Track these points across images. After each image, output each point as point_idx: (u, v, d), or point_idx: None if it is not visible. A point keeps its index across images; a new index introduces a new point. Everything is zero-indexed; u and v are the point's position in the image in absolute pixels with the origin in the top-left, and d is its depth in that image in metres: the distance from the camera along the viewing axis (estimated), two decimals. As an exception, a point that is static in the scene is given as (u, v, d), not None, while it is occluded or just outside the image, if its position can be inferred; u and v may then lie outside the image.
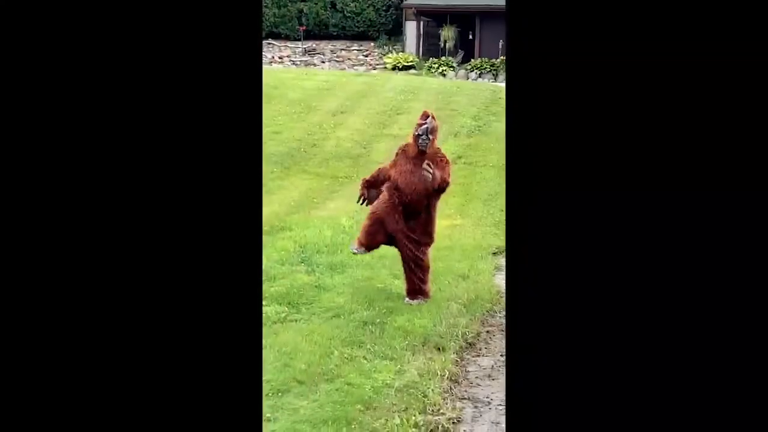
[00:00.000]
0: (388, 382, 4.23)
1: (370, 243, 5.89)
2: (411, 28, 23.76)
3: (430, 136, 5.69)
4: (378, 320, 5.24)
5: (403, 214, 5.75)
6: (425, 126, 5.66)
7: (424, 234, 5.82)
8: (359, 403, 3.92)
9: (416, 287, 5.75)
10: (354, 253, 6.15)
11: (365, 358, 4.59)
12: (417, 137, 5.70)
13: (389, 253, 7.08)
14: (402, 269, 5.92)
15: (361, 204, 6.28)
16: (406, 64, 21.97)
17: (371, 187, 6.11)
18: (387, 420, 3.76)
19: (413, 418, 3.79)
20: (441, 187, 5.70)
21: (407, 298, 5.78)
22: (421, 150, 5.68)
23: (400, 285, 6.05)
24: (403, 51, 23.47)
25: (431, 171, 5.54)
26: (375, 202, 5.99)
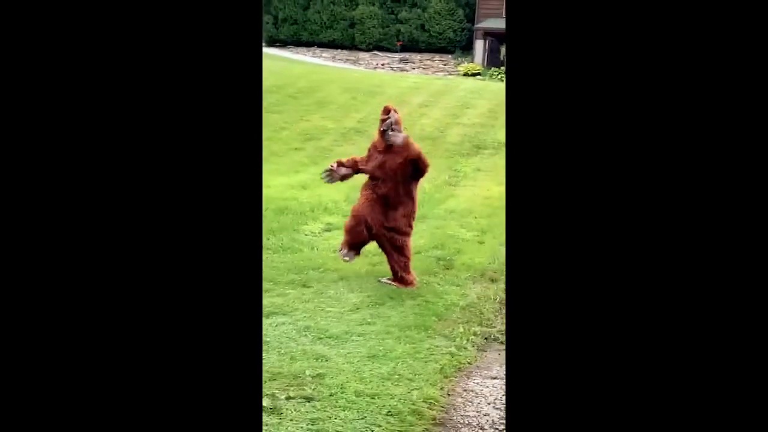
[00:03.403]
0: (455, 302, 4.23)
1: (355, 241, 4.58)
2: (479, 45, 23.29)
3: (395, 128, 4.40)
4: (448, 257, 5.21)
5: (383, 206, 4.47)
6: (388, 120, 4.38)
7: (406, 224, 4.51)
8: (434, 315, 3.94)
9: (399, 275, 4.50)
10: (345, 261, 4.68)
11: (438, 284, 4.59)
12: (383, 133, 4.41)
13: (458, 207, 7.02)
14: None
15: (325, 178, 4.76)
16: (474, 71, 21.52)
17: (342, 166, 4.67)
18: (453, 329, 3.76)
19: (473, 328, 3.78)
20: (420, 168, 4.43)
21: (386, 279, 4.57)
22: (389, 145, 4.41)
23: (466, 233, 6.00)
24: (472, 62, 23.00)
25: (393, 132, 4.36)
26: (355, 204, 4.68)
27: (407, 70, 22.93)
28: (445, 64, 24.08)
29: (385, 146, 4.45)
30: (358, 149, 10.55)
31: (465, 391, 3.10)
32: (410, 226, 4.57)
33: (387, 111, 4.47)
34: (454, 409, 2.92)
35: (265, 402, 2.72)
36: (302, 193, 7.34)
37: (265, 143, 10.81)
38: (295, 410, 2.69)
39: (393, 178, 4.43)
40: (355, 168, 4.65)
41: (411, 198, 4.54)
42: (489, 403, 2.99)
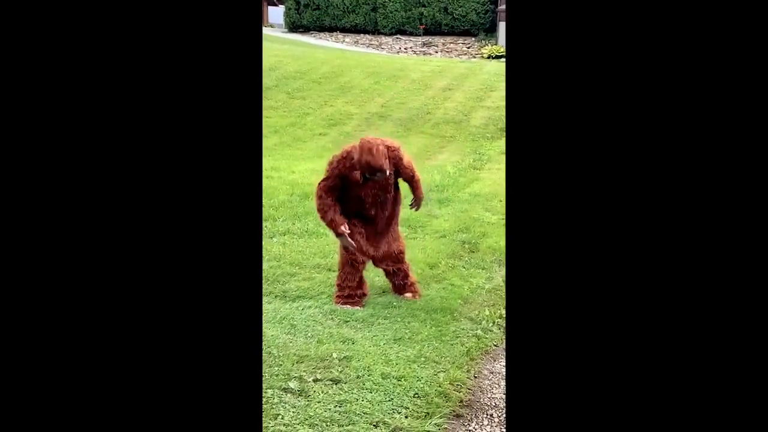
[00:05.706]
0: (481, 285, 4.21)
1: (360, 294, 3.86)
2: (503, 27, 23.00)
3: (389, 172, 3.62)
4: (473, 241, 5.20)
5: (372, 234, 3.87)
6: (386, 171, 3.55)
7: (398, 245, 3.95)
8: (459, 298, 3.93)
9: (405, 289, 3.98)
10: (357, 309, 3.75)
11: (464, 267, 4.58)
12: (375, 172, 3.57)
13: (483, 191, 6.98)
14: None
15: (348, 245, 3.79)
16: (498, 54, 21.28)
17: (342, 219, 3.77)
18: (479, 312, 3.75)
19: (499, 311, 3.76)
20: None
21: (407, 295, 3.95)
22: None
23: (491, 216, 5.96)
24: (496, 44, 22.75)
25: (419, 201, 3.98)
26: (341, 254, 3.87)
27: (430, 54, 22.75)
28: (468, 47, 23.85)
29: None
30: (382, 134, 10.54)
31: (491, 373, 3.09)
32: (402, 242, 3.99)
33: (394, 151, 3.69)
34: (480, 391, 2.91)
35: (293, 384, 2.74)
36: (327, 178, 7.36)
37: (289, 129, 10.85)
38: (322, 392, 2.71)
39: (381, 199, 3.81)
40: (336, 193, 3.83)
41: (396, 208, 3.96)
42: (516, 386, 2.97)
